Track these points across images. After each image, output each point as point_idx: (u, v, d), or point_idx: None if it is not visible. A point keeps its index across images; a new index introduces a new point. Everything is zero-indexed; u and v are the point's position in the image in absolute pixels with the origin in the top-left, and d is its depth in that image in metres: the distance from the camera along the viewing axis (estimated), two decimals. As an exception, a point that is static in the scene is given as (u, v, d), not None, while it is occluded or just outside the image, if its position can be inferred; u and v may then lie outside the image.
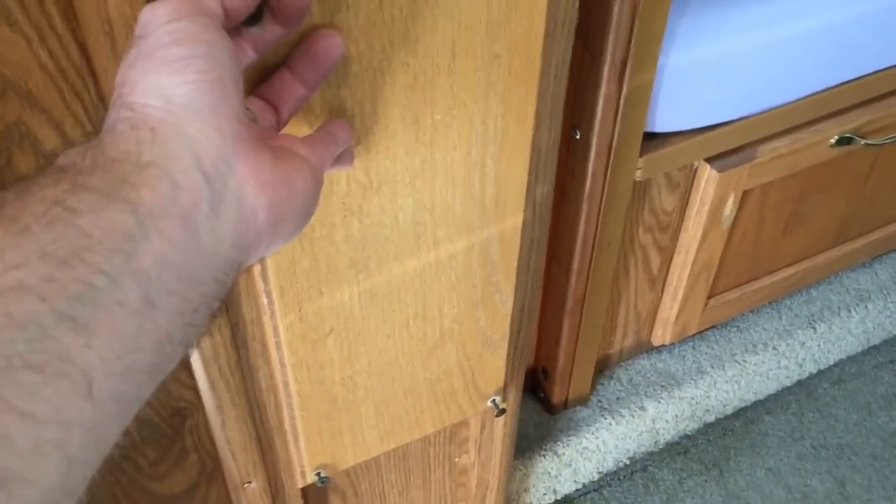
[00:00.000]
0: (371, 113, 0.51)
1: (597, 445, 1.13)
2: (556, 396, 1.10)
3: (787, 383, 1.29)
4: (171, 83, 0.33)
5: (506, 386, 0.79)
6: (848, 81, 0.92)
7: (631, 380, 1.17)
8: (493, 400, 0.79)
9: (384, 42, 0.48)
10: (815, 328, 1.24)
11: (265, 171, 0.35)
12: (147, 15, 0.34)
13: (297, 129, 0.48)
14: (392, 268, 0.61)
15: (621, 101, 0.76)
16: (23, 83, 0.43)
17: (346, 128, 0.47)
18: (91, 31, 0.43)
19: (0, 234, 0.27)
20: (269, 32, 0.40)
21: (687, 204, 0.97)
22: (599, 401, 1.15)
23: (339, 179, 0.54)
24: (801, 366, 1.27)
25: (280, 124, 0.43)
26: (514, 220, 0.64)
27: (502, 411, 0.80)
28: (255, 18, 0.39)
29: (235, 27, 0.39)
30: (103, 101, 0.46)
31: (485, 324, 0.70)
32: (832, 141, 0.96)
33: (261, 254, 0.37)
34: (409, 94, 0.51)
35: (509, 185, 0.61)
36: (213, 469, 0.72)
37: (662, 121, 0.84)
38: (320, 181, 0.40)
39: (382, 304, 0.63)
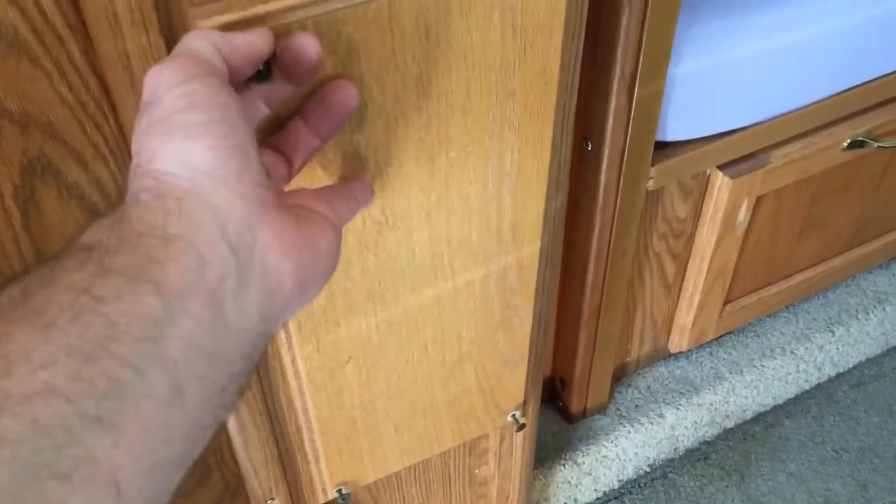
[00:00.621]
0: (385, 154, 0.51)
1: (616, 454, 1.13)
2: (575, 405, 1.11)
3: (807, 387, 1.29)
4: (192, 150, 0.32)
5: (525, 401, 0.79)
6: (858, 85, 0.92)
7: (649, 387, 1.17)
8: (514, 415, 0.79)
9: (397, 87, 0.48)
10: (833, 331, 1.24)
11: (289, 236, 0.34)
12: (153, 79, 0.33)
13: (311, 171, 0.49)
14: (409, 297, 0.61)
15: (632, 112, 0.77)
16: (44, 117, 0.44)
17: (367, 188, 0.47)
18: (109, 63, 0.44)
19: (28, 331, 0.26)
20: (280, 89, 0.39)
21: (700, 211, 0.97)
22: (618, 409, 1.15)
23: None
24: (819, 369, 1.27)
25: (291, 175, 0.43)
26: (532, 247, 0.64)
27: (522, 426, 0.80)
28: (264, 75, 0.38)
29: (246, 84, 0.38)
30: (123, 131, 0.47)
31: (504, 345, 0.71)
32: (844, 145, 0.96)
33: (288, 318, 0.36)
34: (423, 135, 0.51)
35: (527, 214, 0.61)
36: (236, 487, 0.73)
37: (674, 130, 0.84)
38: (340, 237, 0.40)
39: (400, 332, 0.63)
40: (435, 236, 0.58)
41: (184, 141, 0.32)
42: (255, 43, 0.36)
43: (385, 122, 0.49)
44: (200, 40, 0.35)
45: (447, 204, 0.56)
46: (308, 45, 0.38)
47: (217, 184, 0.32)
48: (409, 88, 0.48)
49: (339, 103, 0.43)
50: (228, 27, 0.38)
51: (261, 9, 0.40)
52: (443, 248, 0.59)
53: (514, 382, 0.75)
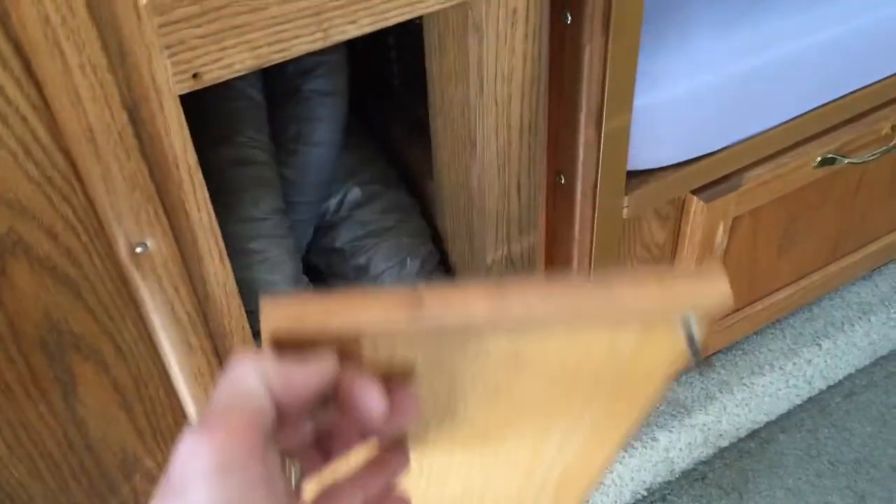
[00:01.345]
0: (435, 432, 0.44)
1: (612, 479, 1.13)
2: (567, 434, 1.11)
3: (798, 401, 1.29)
4: None
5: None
6: (825, 104, 0.93)
7: (640, 411, 1.17)
8: None
9: (467, 392, 0.41)
10: (819, 345, 1.24)
11: None
12: (185, 453, 0.28)
13: None
14: None
15: (601, 145, 0.78)
16: (11, 194, 0.45)
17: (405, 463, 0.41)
18: (74, 139, 0.45)
19: None
20: (333, 417, 0.34)
21: (678, 235, 0.98)
22: (611, 434, 1.15)
23: None
24: (810, 383, 1.27)
25: (325, 468, 0.37)
26: (578, 488, 0.56)
27: None
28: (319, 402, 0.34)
29: None
30: (91, 201, 0.48)
31: None
32: (815, 163, 0.97)
33: None
34: (481, 419, 0.44)
35: (579, 474, 0.54)
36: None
37: (645, 158, 0.85)
38: None
39: None
40: (469, 487, 0.52)
41: None
42: (314, 382, 0.31)
43: (441, 415, 0.42)
44: (253, 379, 0.30)
45: (492, 465, 0.50)
46: (371, 405, 0.32)
47: None
48: (480, 395, 0.41)
49: (397, 419, 0.36)
50: (296, 338, 0.32)
51: (339, 323, 0.33)
52: (475, 497, 0.54)
53: None
